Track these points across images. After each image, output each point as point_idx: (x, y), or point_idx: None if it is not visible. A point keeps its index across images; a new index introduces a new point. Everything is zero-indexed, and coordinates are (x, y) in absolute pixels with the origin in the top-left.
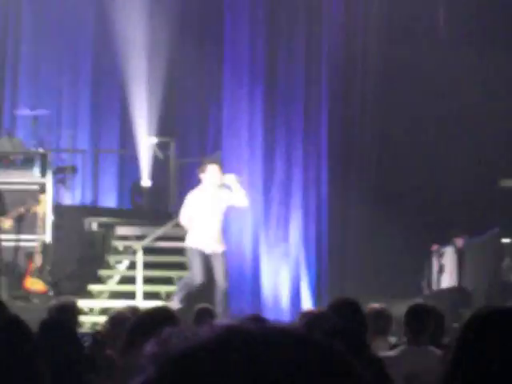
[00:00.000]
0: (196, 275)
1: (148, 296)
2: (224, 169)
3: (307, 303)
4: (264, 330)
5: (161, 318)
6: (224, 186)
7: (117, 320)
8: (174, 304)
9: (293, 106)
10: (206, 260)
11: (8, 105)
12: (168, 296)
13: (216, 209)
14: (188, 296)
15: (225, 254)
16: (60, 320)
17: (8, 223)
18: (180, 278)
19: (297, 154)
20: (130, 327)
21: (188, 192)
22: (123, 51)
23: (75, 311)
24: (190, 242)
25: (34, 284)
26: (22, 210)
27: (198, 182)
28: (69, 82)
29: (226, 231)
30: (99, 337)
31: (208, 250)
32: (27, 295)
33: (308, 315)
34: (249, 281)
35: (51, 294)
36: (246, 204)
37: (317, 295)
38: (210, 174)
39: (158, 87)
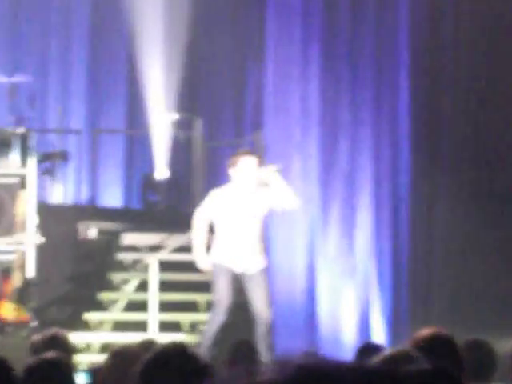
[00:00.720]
0: (218, 302)
1: (165, 327)
2: (267, 155)
3: (379, 337)
4: (344, 371)
5: (184, 355)
6: (263, 183)
7: (124, 357)
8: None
9: (359, 72)
10: (235, 282)
11: None
12: (192, 327)
13: (253, 213)
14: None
15: (265, 273)
16: (50, 362)
17: None
18: (209, 304)
19: (365, 135)
20: (145, 367)
21: (215, 187)
22: None
23: (68, 348)
24: (213, 257)
25: (11, 311)
26: None
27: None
28: (58, 40)
29: (268, 242)
30: (99, 377)
31: (238, 269)
32: (1, 326)
33: (386, 355)
34: (300, 307)
35: (34, 325)
36: (296, 205)
37: (393, 326)
38: (243, 168)
39: (179, 47)
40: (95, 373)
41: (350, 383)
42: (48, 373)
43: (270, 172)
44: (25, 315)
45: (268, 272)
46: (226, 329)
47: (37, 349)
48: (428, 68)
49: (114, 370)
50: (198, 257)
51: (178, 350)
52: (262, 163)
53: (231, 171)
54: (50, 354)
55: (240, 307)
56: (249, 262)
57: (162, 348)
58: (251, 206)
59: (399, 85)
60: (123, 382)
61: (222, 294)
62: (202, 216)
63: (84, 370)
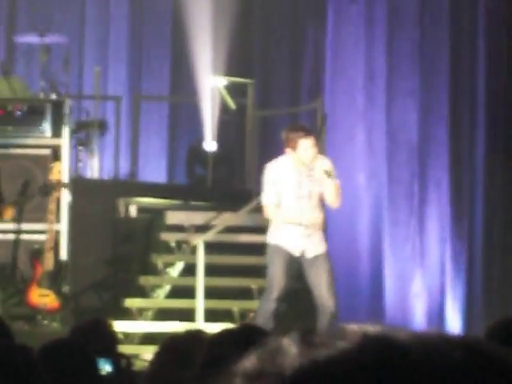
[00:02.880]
0: (270, 287)
1: (213, 315)
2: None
3: (452, 326)
4: (424, 341)
5: (247, 339)
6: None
7: (174, 349)
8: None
9: (432, 33)
10: (293, 266)
11: (1, 28)
12: (243, 316)
13: (310, 194)
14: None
15: (328, 257)
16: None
17: (8, 213)
18: (262, 290)
19: (438, 104)
20: (203, 361)
21: (269, 160)
22: None
23: (112, 337)
24: (271, 238)
25: (43, 297)
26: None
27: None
28: None
29: (327, 223)
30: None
31: (297, 252)
32: (32, 313)
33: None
34: (365, 295)
35: (68, 312)
36: (335, 207)
37: (466, 314)
38: (303, 152)
39: (229, 3)
40: (117, 361)
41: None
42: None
43: (328, 169)
44: (57, 302)
45: (329, 257)
46: (282, 319)
47: (77, 336)
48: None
49: (165, 365)
50: None
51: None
52: (320, 140)
53: (288, 150)
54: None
55: (298, 294)
56: (311, 245)
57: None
58: (308, 187)
59: (477, 57)
60: (174, 378)
61: (276, 279)
62: (271, 199)
63: (106, 358)
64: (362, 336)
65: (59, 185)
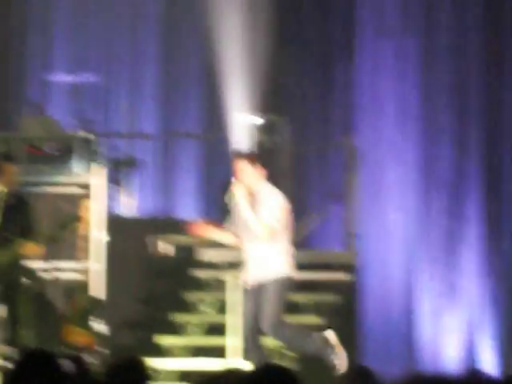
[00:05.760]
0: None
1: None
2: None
3: (486, 364)
4: None
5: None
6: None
7: None
8: None
9: (466, 69)
10: None
11: (37, 67)
12: (281, 354)
13: None
14: None
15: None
16: None
17: (38, 250)
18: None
19: (473, 141)
20: None
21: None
22: None
23: (146, 375)
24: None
25: (76, 334)
26: (59, 231)
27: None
28: (126, 35)
29: (360, 258)
30: None
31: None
32: (66, 350)
33: None
34: (397, 331)
35: (101, 349)
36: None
37: (502, 351)
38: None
39: (262, 44)
40: None
41: None
42: None
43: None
44: (90, 338)
45: (360, 292)
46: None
47: (112, 375)
48: None
49: None
50: None
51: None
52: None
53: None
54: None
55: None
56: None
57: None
58: None
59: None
60: None
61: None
62: (276, 225)
63: None
64: None
65: (83, 220)
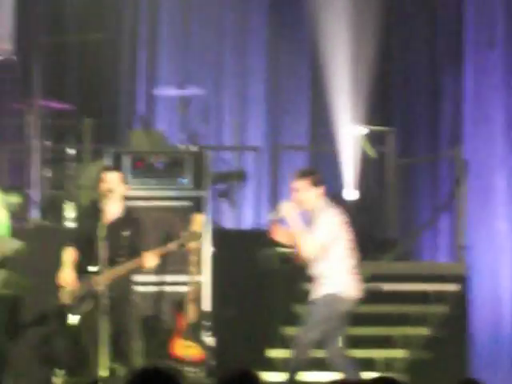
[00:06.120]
0: None
1: (367, 364)
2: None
3: None
4: None
5: None
6: None
7: None
8: None
9: None
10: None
11: (143, 81)
12: (387, 364)
13: None
14: None
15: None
16: None
17: (152, 261)
18: (406, 338)
19: None
20: None
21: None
22: None
23: None
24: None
25: (187, 348)
26: (173, 246)
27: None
28: (232, 48)
29: (471, 269)
30: None
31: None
32: (177, 365)
33: None
34: (509, 343)
35: (213, 363)
36: None
37: None
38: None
39: (367, 55)
40: None
41: None
42: None
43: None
44: (201, 353)
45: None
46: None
47: None
48: None
49: None
50: None
51: None
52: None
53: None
54: None
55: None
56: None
57: None
58: None
59: None
60: None
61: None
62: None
63: None
64: None
65: (197, 236)
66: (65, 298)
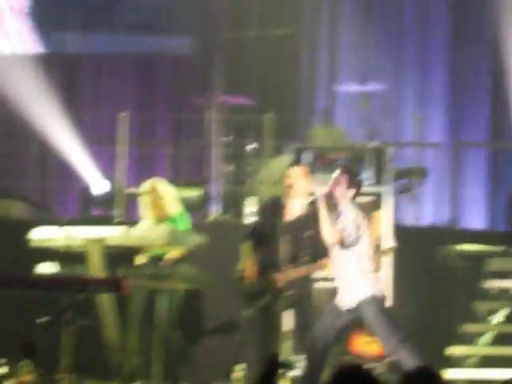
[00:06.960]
0: None
1: None
2: None
3: None
4: None
5: None
6: None
7: None
8: None
9: None
10: None
11: (323, 78)
12: None
13: None
14: None
15: None
16: None
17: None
18: None
19: None
20: None
21: None
22: None
23: None
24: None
25: (368, 344)
26: None
27: None
28: (415, 43)
29: None
30: None
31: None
32: (357, 362)
33: None
34: None
35: (390, 361)
36: None
37: None
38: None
39: None
40: None
41: None
42: None
43: None
44: (379, 349)
45: None
46: None
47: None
48: None
49: None
50: None
51: None
52: None
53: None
54: None
55: None
56: None
57: None
58: None
59: None
60: None
61: None
62: None
63: None
64: None
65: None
66: (244, 291)
